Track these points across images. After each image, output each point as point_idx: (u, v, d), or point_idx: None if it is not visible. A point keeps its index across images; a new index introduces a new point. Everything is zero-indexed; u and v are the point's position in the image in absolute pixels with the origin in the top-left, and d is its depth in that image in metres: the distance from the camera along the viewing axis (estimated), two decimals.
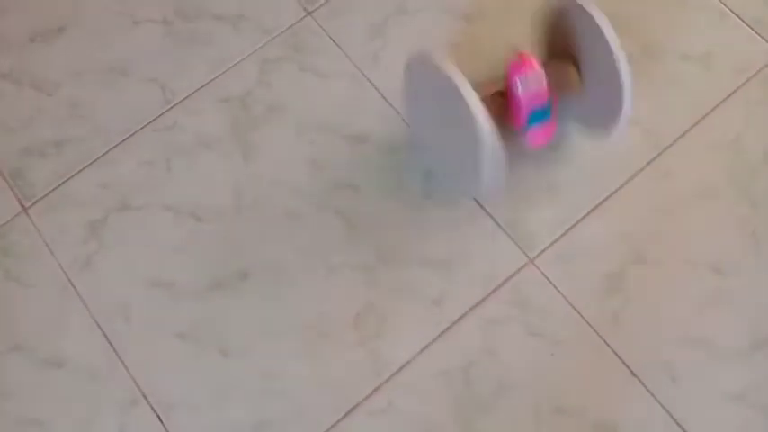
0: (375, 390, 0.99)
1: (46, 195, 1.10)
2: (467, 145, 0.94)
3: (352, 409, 0.98)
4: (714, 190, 1.10)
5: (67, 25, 1.20)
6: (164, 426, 0.97)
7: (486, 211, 1.08)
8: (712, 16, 1.21)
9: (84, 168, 1.11)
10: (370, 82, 1.16)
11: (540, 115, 1.01)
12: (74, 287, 1.04)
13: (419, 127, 1.10)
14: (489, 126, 0.89)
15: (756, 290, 1.04)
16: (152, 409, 0.98)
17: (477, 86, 0.91)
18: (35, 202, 1.09)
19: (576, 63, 1.03)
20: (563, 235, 1.07)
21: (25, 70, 1.18)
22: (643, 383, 0.99)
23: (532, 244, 1.07)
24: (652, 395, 0.98)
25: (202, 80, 1.16)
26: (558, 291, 1.04)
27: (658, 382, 0.99)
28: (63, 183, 1.10)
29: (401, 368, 1.00)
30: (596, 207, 1.09)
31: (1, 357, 1.01)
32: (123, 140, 1.13)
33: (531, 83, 0.98)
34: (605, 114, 1.02)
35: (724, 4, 1.21)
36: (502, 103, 1.00)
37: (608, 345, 1.01)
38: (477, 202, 1.09)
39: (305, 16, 1.20)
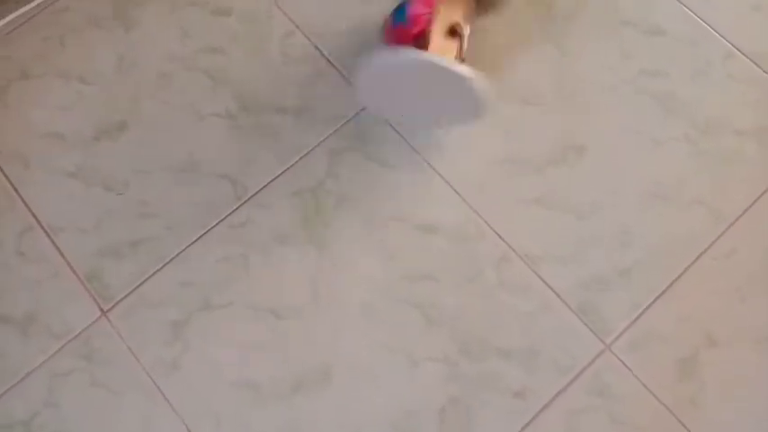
0: None
1: (125, 297, 1.11)
2: (451, 91, 1.02)
3: None
4: None
5: (130, 122, 1.22)
6: None
7: (560, 298, 1.11)
8: (763, 89, 1.24)
9: (161, 267, 1.12)
10: (434, 170, 1.18)
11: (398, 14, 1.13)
12: (161, 392, 1.06)
13: (386, 106, 1.14)
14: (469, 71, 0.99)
15: None
16: None
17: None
18: (114, 305, 1.11)
19: None
20: (636, 320, 1.10)
21: (93, 168, 1.19)
22: None
23: (607, 329, 1.09)
24: None
25: (272, 173, 1.18)
26: (636, 377, 1.07)
27: None
28: (141, 283, 1.11)
29: None
30: (666, 290, 1.11)
31: None
32: (198, 238, 1.14)
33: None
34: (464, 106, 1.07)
35: None
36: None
37: (688, 430, 1.04)
38: (551, 288, 1.11)
39: (362, 110, 1.22)
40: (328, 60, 1.26)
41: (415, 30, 1.11)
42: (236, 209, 1.16)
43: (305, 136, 1.21)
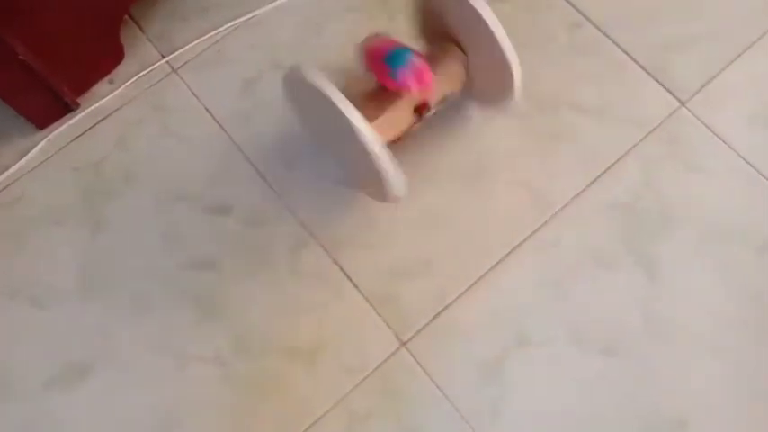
0: None
1: None
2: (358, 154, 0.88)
3: None
4: None
5: (94, 365, 0.94)
6: None
7: None
8: None
9: None
10: None
11: (397, 57, 0.91)
12: None
13: (313, 132, 1.02)
14: (374, 135, 0.84)
15: None
16: None
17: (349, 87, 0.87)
18: None
19: (457, 44, 0.97)
20: None
21: (39, 428, 0.91)
22: None
23: None
24: None
25: None
26: None
27: None
28: None
29: None
30: None
31: None
32: None
33: (373, 40, 0.95)
34: (498, 89, 0.97)
35: None
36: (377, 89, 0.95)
37: None
38: None
39: (390, 356, 0.95)
40: (350, 279, 0.98)
41: (397, 86, 0.92)
42: None
43: (319, 391, 0.93)
